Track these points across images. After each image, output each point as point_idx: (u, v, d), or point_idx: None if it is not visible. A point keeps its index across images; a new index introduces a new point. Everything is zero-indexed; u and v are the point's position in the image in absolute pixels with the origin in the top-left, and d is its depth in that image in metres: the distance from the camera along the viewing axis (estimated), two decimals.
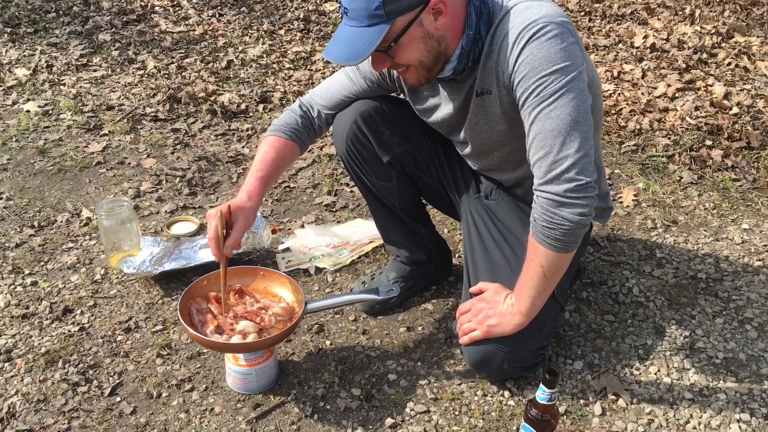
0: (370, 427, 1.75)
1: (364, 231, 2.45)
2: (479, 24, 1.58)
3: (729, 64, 3.55)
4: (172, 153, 3.00)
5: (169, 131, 3.17)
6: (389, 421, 1.76)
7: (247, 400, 1.83)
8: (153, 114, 3.29)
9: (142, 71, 3.69)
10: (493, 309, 1.73)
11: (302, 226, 2.52)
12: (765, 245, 2.41)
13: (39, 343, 2.01)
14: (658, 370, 1.90)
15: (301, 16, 4.27)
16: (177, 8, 4.49)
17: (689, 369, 1.91)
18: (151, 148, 3.04)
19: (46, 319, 2.10)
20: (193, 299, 1.86)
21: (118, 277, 2.27)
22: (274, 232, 2.47)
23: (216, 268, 1.86)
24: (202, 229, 2.51)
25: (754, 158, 2.87)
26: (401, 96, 1.94)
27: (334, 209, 2.65)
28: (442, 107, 1.80)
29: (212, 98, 3.37)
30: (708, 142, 2.95)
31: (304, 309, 1.81)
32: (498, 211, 1.93)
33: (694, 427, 1.74)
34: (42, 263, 2.34)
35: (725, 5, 4.22)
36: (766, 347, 1.98)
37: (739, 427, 1.74)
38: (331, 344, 2.02)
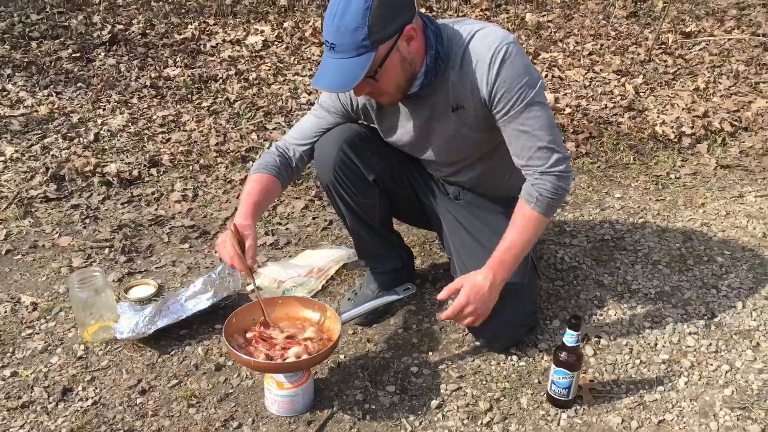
0: (419, 412, 1.97)
1: (321, 258, 2.64)
2: (437, 44, 1.91)
3: (546, 76, 4.23)
4: (85, 228, 2.94)
5: (69, 208, 3.08)
6: (434, 403, 1.99)
7: (297, 421, 1.95)
8: (41, 195, 3.16)
9: (2, 158, 3.51)
10: (478, 300, 1.96)
11: (259, 266, 2.64)
12: (638, 206, 3.00)
13: (56, 426, 1.95)
14: (615, 312, 2.33)
15: (148, 83, 4.30)
16: (4, 92, 4.28)
17: (636, 306, 2.37)
18: (59, 227, 2.95)
19: (49, 403, 2.03)
20: (230, 337, 1.95)
21: (101, 349, 2.24)
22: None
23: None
24: (160, 289, 2.53)
25: (599, 144, 3.51)
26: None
27: (279, 247, 2.80)
28: (407, 125, 2.08)
29: (99, 170, 3.32)
30: None
31: (341, 321, 1.98)
32: (468, 207, 2.26)
33: (663, 345, 2.18)
34: (9, 354, 2.23)
35: (519, 32, 4.98)
36: (679, 278, 2.51)
37: (692, 337, 2.21)
38: (345, 357, 2.19)
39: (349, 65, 1.75)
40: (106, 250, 2.77)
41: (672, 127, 3.58)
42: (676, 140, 3.54)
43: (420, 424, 1.93)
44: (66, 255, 2.75)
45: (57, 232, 2.91)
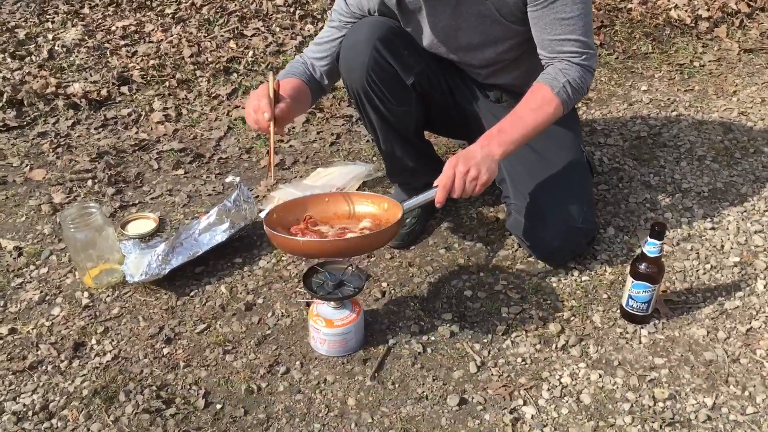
0: (485, 340, 1.77)
1: (338, 176, 2.36)
2: None
3: None
4: (58, 158, 2.59)
5: (36, 137, 2.71)
6: (499, 329, 1.79)
7: (350, 361, 1.73)
8: (0, 124, 2.77)
9: None
10: (470, 161, 1.63)
11: (268, 190, 2.36)
12: (668, 98, 2.79)
13: (75, 387, 1.69)
14: (672, 215, 2.15)
15: None
16: None
17: (691, 207, 2.18)
18: (28, 159, 2.58)
19: (62, 361, 1.76)
20: (273, 229, 1.64)
21: (108, 295, 1.96)
22: None
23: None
24: (162, 223, 2.24)
25: (612, 33, 3.25)
26: None
27: (286, 167, 2.51)
28: (433, 20, 1.82)
29: (61, 91, 2.93)
30: None
31: (403, 209, 1.67)
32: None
33: (731, 247, 2.02)
34: (1, 308, 1.93)
35: None
36: (730, 173, 2.33)
37: (759, 236, 2.05)
38: (388, 285, 1.96)
39: None
40: (90, 182, 2.44)
41: (686, 11, 3.34)
42: (693, 25, 3.31)
43: (489, 353, 1.74)
44: (43, 190, 2.41)
45: (27, 165, 2.56)
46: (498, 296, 1.90)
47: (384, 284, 1.96)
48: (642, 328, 1.78)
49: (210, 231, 2.04)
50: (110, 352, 1.78)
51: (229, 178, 2.12)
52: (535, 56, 1.78)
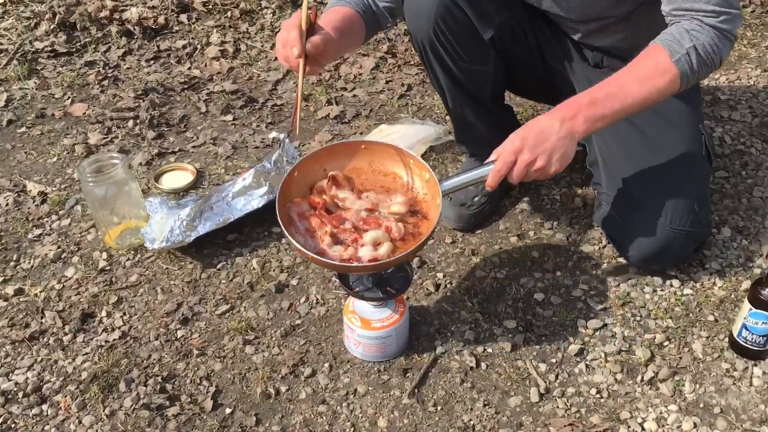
0: (553, 360, 1.45)
1: (402, 137, 2.04)
2: None
3: None
4: (103, 92, 2.37)
5: (83, 66, 2.50)
6: (572, 348, 1.46)
7: (388, 369, 1.45)
8: (49, 49, 2.57)
9: None
10: (537, 142, 1.27)
11: (322, 147, 2.07)
12: None
13: (75, 368, 1.48)
14: None
15: None
16: None
17: None
18: (71, 91, 2.38)
19: (65, 333, 1.56)
20: (291, 202, 1.36)
21: (128, 258, 1.74)
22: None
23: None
24: (199, 176, 1.99)
25: None
26: None
27: (346, 119, 2.20)
28: None
29: (116, 16, 2.69)
30: None
31: (441, 191, 1.32)
32: None
33: None
34: (12, 263, 1.74)
35: None
36: None
37: None
38: (444, 276, 1.66)
39: None
40: (130, 123, 2.21)
41: None
42: None
43: (556, 378, 1.42)
44: (81, 128, 2.20)
45: (69, 97, 2.35)
46: (575, 304, 1.56)
47: (439, 275, 1.66)
48: (756, 365, 1.42)
49: (245, 195, 1.77)
50: (119, 328, 1.57)
51: (273, 134, 1.83)
52: (654, 15, 1.38)
